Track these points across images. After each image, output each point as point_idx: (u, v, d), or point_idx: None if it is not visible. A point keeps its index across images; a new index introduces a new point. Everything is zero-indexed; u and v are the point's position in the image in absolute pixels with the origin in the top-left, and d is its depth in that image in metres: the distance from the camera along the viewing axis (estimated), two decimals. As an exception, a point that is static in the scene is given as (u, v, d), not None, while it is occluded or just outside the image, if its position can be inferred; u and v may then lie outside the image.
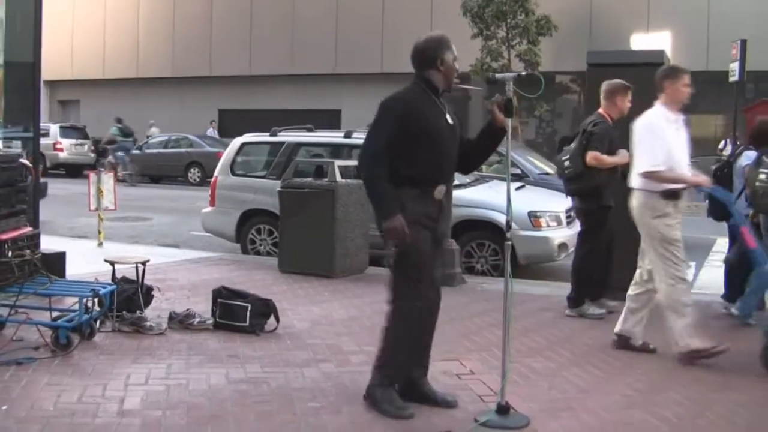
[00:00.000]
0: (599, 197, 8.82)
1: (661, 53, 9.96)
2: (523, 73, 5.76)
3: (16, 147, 9.15)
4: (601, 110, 8.88)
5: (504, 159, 15.75)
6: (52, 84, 43.25)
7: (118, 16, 44.03)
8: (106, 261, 8.22)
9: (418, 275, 5.68)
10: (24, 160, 7.69)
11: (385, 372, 5.80)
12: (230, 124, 39.83)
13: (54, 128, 34.22)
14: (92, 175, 13.58)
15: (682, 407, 5.97)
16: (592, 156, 8.63)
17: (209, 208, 13.73)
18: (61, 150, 33.59)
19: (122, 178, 28.52)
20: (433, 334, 5.99)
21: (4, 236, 6.95)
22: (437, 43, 5.84)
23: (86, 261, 10.94)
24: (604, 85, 8.88)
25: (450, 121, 5.80)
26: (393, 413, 5.60)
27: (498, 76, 5.80)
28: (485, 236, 11.79)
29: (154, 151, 34.00)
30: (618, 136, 8.74)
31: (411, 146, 5.65)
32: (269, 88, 39.53)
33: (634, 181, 7.34)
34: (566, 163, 8.85)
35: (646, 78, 9.57)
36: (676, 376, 6.81)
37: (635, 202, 7.35)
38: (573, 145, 8.86)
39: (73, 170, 33.99)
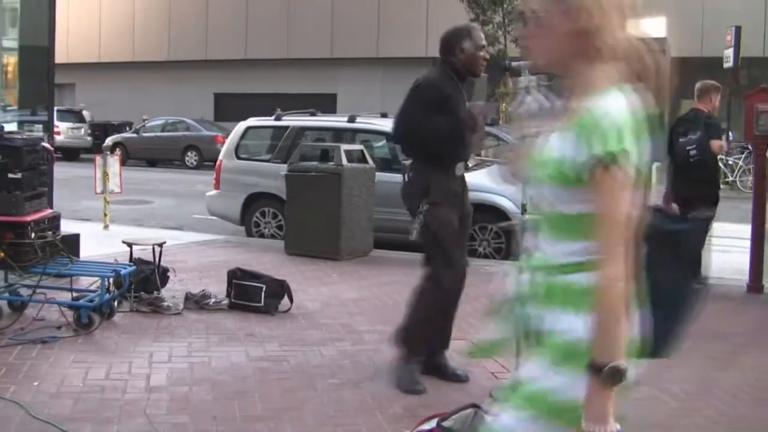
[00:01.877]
0: (718, 182, 10.02)
1: (663, 40, 10.10)
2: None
3: (38, 131, 9.30)
4: (697, 105, 9.69)
5: (503, 143, 15.95)
6: (48, 67, 43.23)
7: (113, -1, 44.09)
8: (124, 242, 8.39)
9: (456, 252, 5.93)
10: (46, 144, 7.84)
11: (410, 346, 6.02)
12: (226, 108, 39.97)
13: (51, 112, 34.28)
14: (98, 159, 13.71)
15: (689, 384, 6.17)
16: (718, 144, 9.53)
17: (214, 192, 13.88)
18: (58, 133, 33.59)
19: None
20: (456, 309, 6.26)
21: (28, 218, 7.11)
22: (457, 32, 6.06)
23: (95, 243, 11.10)
24: (699, 84, 9.75)
25: (467, 106, 6.03)
26: (405, 387, 5.85)
27: (514, 63, 5.97)
28: (487, 219, 11.94)
29: (151, 134, 34.13)
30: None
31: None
32: (265, 72, 39.61)
33: None
34: (693, 152, 9.42)
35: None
36: (682, 354, 6.97)
37: None
38: (692, 136, 9.45)
39: (70, 154, 34.10)
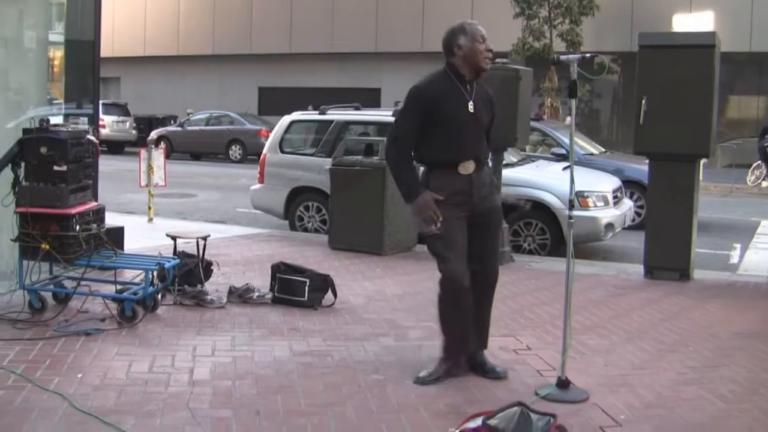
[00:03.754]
0: None
1: (713, 35, 9.99)
2: (588, 55, 5.82)
3: (83, 124, 9.34)
4: None
5: (548, 138, 15.87)
6: (94, 61, 43.55)
7: (159, -7, 44.32)
8: (168, 235, 8.40)
9: (449, 251, 5.82)
10: (91, 137, 7.85)
11: (444, 345, 6.03)
12: (270, 101, 40.09)
13: (96, 105, 34.52)
14: (143, 152, 13.77)
15: (736, 384, 6.06)
16: None
17: (258, 185, 13.90)
18: (103, 127, 33.84)
19: None
20: (488, 308, 6.18)
21: (73, 210, 7.13)
22: (451, 30, 5.91)
23: (139, 236, 11.17)
24: None
25: (471, 109, 5.85)
26: (420, 381, 5.87)
27: (563, 57, 5.89)
28: (532, 215, 11.88)
29: (195, 128, 34.29)
30: None
31: (431, 131, 5.82)
32: (309, 66, 39.64)
33: None
34: None
35: (696, 60, 9.65)
36: (728, 354, 6.90)
37: None
38: None
39: (115, 147, 34.38)
